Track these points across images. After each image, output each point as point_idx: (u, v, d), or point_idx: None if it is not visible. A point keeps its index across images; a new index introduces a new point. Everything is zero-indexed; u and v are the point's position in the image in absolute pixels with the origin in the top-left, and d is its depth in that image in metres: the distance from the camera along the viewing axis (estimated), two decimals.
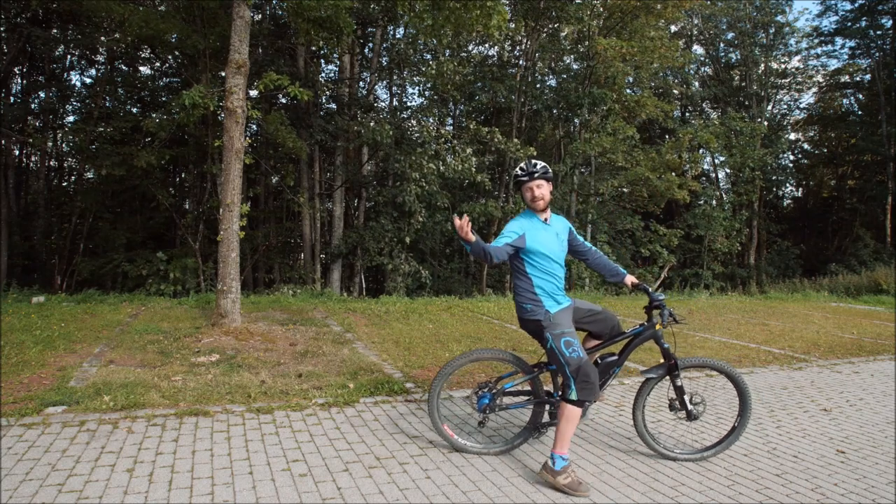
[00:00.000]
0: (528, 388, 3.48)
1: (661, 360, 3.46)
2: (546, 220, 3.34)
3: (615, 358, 3.40)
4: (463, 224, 2.84)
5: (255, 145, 15.73)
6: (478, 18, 7.80)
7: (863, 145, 23.94)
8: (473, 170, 13.58)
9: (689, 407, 3.41)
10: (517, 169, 3.30)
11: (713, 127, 19.21)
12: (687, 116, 24.56)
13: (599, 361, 3.41)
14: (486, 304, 10.25)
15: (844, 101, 27.69)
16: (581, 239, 3.57)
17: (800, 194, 30.17)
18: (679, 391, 3.41)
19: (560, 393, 3.26)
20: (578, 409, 3.08)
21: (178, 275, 12.07)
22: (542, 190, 3.24)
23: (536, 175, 3.21)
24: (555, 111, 17.49)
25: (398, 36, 16.90)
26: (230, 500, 2.77)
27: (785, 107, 27.28)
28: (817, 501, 3.00)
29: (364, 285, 17.41)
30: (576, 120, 17.16)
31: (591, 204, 17.39)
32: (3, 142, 15.36)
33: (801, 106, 28.26)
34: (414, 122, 16.02)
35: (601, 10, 16.32)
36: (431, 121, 15.67)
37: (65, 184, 19.15)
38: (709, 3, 20.91)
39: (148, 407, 3.98)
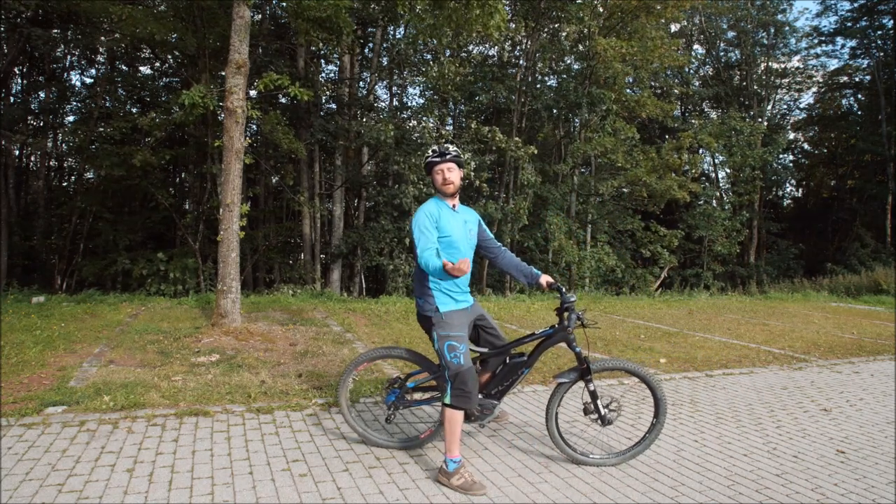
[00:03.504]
0: (434, 384, 3.45)
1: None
2: (454, 206, 3.27)
3: (524, 359, 3.30)
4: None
5: (255, 145, 15.72)
6: (478, 18, 7.79)
7: (863, 145, 23.92)
8: (472, 174, 13.59)
9: (602, 411, 3.31)
10: (429, 151, 3.25)
11: (713, 126, 19.19)
12: (687, 116, 24.55)
13: (508, 361, 3.33)
14: (486, 304, 10.24)
15: (844, 101, 27.71)
16: (490, 234, 3.46)
17: (800, 194, 30.18)
18: (592, 396, 3.30)
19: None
20: (457, 413, 3.05)
21: (178, 275, 12.07)
22: (453, 174, 3.19)
23: (448, 157, 3.17)
24: (555, 111, 17.48)
25: (398, 36, 16.89)
26: (230, 500, 2.77)
27: (785, 107, 27.33)
28: (817, 501, 3.00)
29: (364, 285, 17.40)
30: (576, 120, 17.15)
31: (591, 204, 17.39)
32: (3, 142, 15.36)
33: (801, 106, 28.32)
34: (414, 122, 16.02)
35: (601, 10, 16.32)
36: (432, 121, 15.65)
37: (65, 184, 19.15)
38: (709, 2, 20.88)
39: (148, 407, 3.98)
